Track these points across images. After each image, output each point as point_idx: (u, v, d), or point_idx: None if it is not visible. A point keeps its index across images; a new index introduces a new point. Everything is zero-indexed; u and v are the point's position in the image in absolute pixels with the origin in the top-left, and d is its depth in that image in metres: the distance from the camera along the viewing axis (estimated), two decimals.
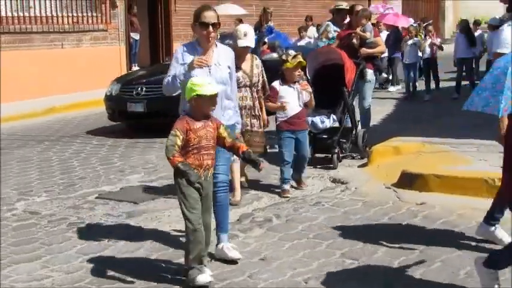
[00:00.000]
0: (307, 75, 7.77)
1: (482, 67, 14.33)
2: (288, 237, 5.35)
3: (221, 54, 4.93)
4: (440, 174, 6.46)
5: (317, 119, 7.66)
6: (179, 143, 4.37)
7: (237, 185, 6.40)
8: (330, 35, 9.64)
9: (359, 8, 8.90)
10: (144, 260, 4.97)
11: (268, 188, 6.90)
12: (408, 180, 6.58)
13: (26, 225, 5.89)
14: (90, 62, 14.84)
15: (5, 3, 13.88)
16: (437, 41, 14.65)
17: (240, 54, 6.07)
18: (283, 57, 6.82)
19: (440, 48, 14.44)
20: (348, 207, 6.06)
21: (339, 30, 9.35)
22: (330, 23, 9.81)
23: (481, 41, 14.67)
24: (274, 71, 11.57)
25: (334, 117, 7.76)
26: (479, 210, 5.27)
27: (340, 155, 7.83)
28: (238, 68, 5.94)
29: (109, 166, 8.21)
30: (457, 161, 6.99)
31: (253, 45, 6.50)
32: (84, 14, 15.51)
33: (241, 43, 6.24)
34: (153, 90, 10.11)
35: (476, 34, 14.56)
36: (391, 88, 15.42)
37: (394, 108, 12.62)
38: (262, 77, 6.62)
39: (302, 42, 14.74)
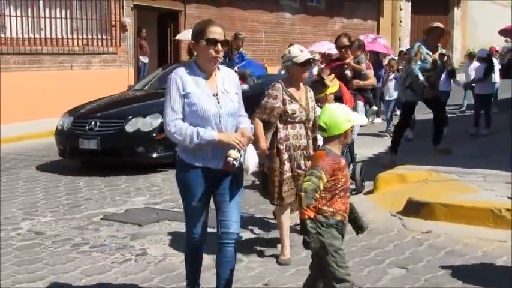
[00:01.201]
0: None
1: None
2: (292, 262, 5.32)
3: (226, 79, 4.19)
4: (446, 203, 6.43)
5: None
6: (322, 187, 3.69)
7: (286, 239, 5.42)
8: (423, 57, 9.09)
9: (344, 39, 8.14)
10: (147, 283, 4.95)
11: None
12: (414, 209, 6.55)
13: (30, 245, 5.89)
14: (99, 84, 14.90)
15: (16, 24, 14.03)
16: None
17: (298, 76, 5.31)
18: (325, 81, 6.19)
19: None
20: (352, 234, 6.00)
21: (430, 53, 9.09)
22: (420, 43, 9.29)
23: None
24: (246, 103, 11.17)
25: None
26: (485, 240, 5.25)
27: None
28: (292, 99, 5.26)
29: (114, 188, 8.21)
30: (464, 190, 6.96)
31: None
32: (94, 37, 15.64)
33: (302, 57, 5.24)
34: (108, 126, 9.33)
35: (471, 66, 14.26)
36: (376, 120, 14.45)
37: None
38: (315, 112, 5.46)
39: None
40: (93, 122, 9.36)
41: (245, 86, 10.27)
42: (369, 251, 5.60)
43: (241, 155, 4.04)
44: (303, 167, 5.26)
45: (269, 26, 20.48)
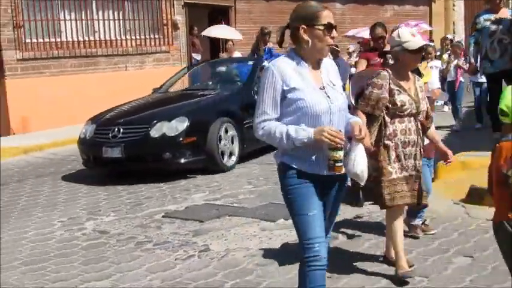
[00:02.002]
0: (350, 99, 7.03)
1: None
2: (355, 254, 5.29)
3: (330, 70, 3.64)
4: None
5: None
6: None
7: (401, 249, 4.77)
8: (480, 26, 8.98)
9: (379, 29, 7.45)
10: (211, 278, 4.99)
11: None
12: (477, 196, 6.42)
13: (95, 245, 6.01)
14: (153, 83, 15.01)
15: (71, 28, 14.30)
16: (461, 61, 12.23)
17: (408, 64, 4.72)
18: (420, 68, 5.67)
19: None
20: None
21: (492, 15, 9.02)
22: (477, 14, 9.32)
23: None
24: None
25: None
26: None
27: None
28: (401, 89, 4.67)
29: (174, 185, 8.30)
30: None
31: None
32: (147, 37, 15.82)
33: (415, 43, 4.64)
34: (132, 132, 8.82)
35: None
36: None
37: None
38: (427, 102, 4.90)
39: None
40: (116, 129, 8.84)
41: None
42: (433, 240, 5.52)
43: (344, 155, 3.43)
44: (412, 166, 4.69)
45: None
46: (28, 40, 13.54)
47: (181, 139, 8.64)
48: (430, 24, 26.09)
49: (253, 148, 9.51)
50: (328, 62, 3.66)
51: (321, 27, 3.45)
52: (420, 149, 4.75)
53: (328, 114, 3.46)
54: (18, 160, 10.92)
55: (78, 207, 7.50)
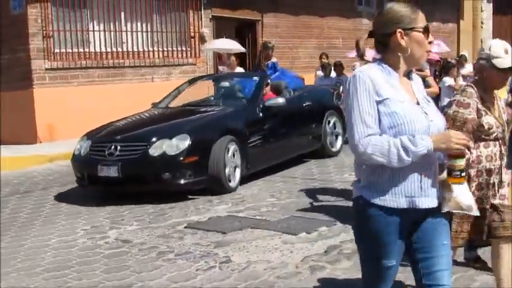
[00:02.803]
0: None
1: None
2: None
3: (419, 83, 3.09)
4: None
5: None
6: None
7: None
8: None
9: None
10: None
11: None
12: None
13: (117, 253, 6.04)
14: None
15: (100, 39, 14.47)
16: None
17: (495, 82, 4.16)
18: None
19: None
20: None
21: None
22: None
23: None
24: (282, 120, 9.68)
25: None
26: None
27: None
28: (488, 109, 4.11)
29: (198, 196, 8.32)
30: None
31: None
32: (174, 49, 15.95)
33: (506, 61, 4.06)
34: (129, 150, 8.22)
35: None
36: None
37: None
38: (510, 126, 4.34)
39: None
40: (113, 146, 8.24)
41: (281, 100, 9.48)
42: (456, 256, 5.46)
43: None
44: (497, 197, 4.12)
45: (346, 32, 20.34)
46: (57, 50, 13.72)
47: (182, 158, 8.05)
48: (458, 41, 26.03)
49: (257, 169, 9.12)
50: (415, 75, 3.08)
51: (421, 30, 2.94)
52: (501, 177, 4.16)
53: (428, 134, 2.83)
54: (44, 168, 11.04)
55: (101, 215, 7.55)
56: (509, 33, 27.98)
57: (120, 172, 8.03)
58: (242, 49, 15.98)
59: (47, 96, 13.35)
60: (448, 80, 11.73)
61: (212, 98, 10.82)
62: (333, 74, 14.13)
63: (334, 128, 10.98)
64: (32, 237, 6.72)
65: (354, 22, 21.12)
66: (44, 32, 13.44)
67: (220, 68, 17.54)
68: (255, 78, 10.51)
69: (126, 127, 9.09)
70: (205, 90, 11.53)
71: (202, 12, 16.58)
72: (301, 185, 8.81)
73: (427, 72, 8.21)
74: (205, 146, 8.25)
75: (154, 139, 8.17)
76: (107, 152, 8.25)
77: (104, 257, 5.95)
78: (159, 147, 8.07)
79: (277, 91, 10.23)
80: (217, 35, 17.27)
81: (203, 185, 8.26)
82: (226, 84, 11.05)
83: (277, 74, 11.57)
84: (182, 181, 8.06)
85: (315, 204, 7.64)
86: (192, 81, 11.19)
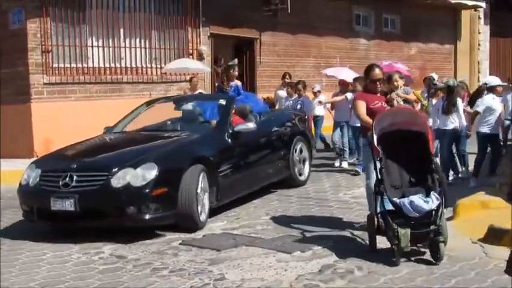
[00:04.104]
0: (370, 136, 6.34)
1: None
2: None
3: None
4: None
5: (418, 199, 5.86)
6: None
7: None
8: None
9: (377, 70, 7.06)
10: None
11: (352, 240, 6.84)
12: (496, 236, 6.38)
13: (112, 269, 6.05)
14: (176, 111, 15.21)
15: (98, 54, 14.54)
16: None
17: None
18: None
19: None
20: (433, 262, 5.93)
21: None
22: None
23: None
24: (251, 146, 8.96)
25: (436, 195, 5.94)
26: None
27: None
28: None
29: (164, 232, 8.16)
30: None
31: None
32: None
33: None
34: (88, 180, 7.18)
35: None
36: None
37: None
38: None
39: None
40: (68, 176, 7.19)
41: (251, 125, 8.60)
42: (450, 278, 5.48)
43: None
44: None
45: (344, 51, 20.47)
46: (55, 65, 13.79)
47: (148, 190, 7.04)
48: (455, 63, 26.14)
49: (227, 200, 8.29)
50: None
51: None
52: None
53: None
54: None
55: (96, 231, 7.53)
56: (507, 55, 28.16)
57: (77, 206, 7.02)
58: (205, 69, 15.71)
59: (44, 110, 13.39)
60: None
61: (171, 122, 9.64)
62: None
63: (301, 152, 10.10)
64: (26, 252, 6.72)
65: (351, 42, 21.26)
66: (43, 46, 13.51)
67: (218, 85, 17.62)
68: (221, 101, 9.48)
69: (81, 154, 8.08)
70: (164, 113, 10.06)
71: (201, 29, 16.69)
72: (296, 203, 8.83)
73: (412, 96, 8.61)
74: (174, 176, 7.27)
75: (116, 168, 7.13)
76: (61, 183, 7.18)
77: (99, 273, 5.95)
78: (122, 178, 7.06)
79: (242, 115, 9.23)
80: (216, 52, 17.37)
81: (172, 220, 7.28)
82: (188, 107, 9.94)
83: (241, 97, 10.52)
84: (148, 216, 7.05)
85: (310, 223, 7.64)
86: (149, 103, 10.12)
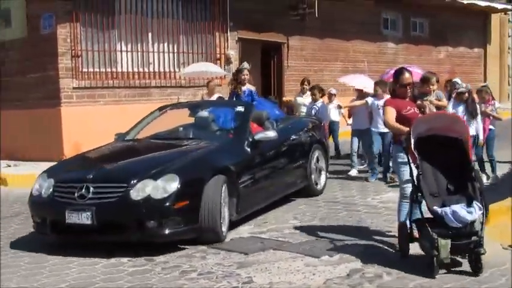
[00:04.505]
0: (404, 141, 6.20)
1: None
2: None
3: None
4: None
5: (460, 209, 5.68)
6: None
7: None
8: None
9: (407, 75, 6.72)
10: None
11: (381, 245, 6.81)
12: None
13: (141, 271, 6.09)
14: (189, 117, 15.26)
15: (127, 59, 14.67)
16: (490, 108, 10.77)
17: None
18: None
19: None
20: (462, 268, 5.88)
21: None
22: None
23: None
24: (271, 156, 8.49)
25: (479, 204, 5.74)
26: None
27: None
28: None
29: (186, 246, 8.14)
30: None
31: None
32: None
33: None
34: (106, 192, 6.75)
35: None
36: None
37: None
38: None
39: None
40: (84, 187, 6.77)
41: (272, 134, 8.15)
42: (480, 284, 5.43)
43: None
44: None
45: (372, 55, 20.41)
46: (85, 69, 13.94)
47: (170, 203, 6.64)
48: (485, 67, 25.89)
49: (247, 213, 7.88)
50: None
51: None
52: None
53: None
54: None
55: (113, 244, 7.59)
56: None
57: (94, 219, 6.60)
58: (222, 73, 15.37)
59: (74, 114, 13.55)
60: None
61: (184, 130, 9.01)
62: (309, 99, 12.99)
63: (318, 161, 9.71)
64: (56, 254, 6.78)
65: (379, 46, 21.19)
66: (73, 51, 13.68)
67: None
68: (239, 107, 9.00)
69: (96, 163, 7.70)
70: (177, 119, 9.49)
71: (229, 34, 16.76)
72: (324, 208, 8.81)
73: (445, 102, 8.40)
74: (196, 188, 6.84)
75: (135, 180, 6.71)
76: (76, 194, 6.76)
77: (128, 275, 6.00)
78: (142, 190, 6.64)
79: (259, 122, 8.78)
80: (243, 57, 17.40)
81: (193, 234, 6.87)
82: (204, 114, 9.22)
83: (255, 104, 9.86)
84: (168, 230, 6.65)
85: (338, 227, 7.63)
86: (162, 109, 9.59)
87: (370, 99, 11.12)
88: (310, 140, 9.72)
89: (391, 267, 5.94)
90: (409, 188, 6.26)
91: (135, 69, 14.88)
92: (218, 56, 16.50)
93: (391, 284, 5.51)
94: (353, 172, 11.59)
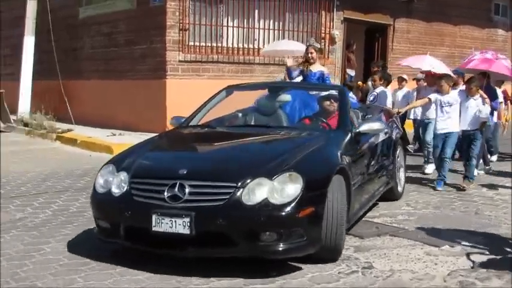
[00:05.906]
0: None
1: None
2: None
3: None
4: None
5: None
6: None
7: None
8: None
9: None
10: None
11: (504, 238, 6.48)
12: None
13: None
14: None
15: (232, 34, 14.63)
16: None
17: None
18: None
19: None
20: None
21: None
22: None
23: None
24: (371, 152, 7.08)
25: None
26: None
27: None
28: None
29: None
30: None
31: None
32: None
33: None
34: (206, 192, 5.11)
35: None
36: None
37: None
38: None
39: None
40: (177, 186, 5.13)
41: (378, 125, 6.84)
42: None
43: None
44: None
45: (480, 42, 19.64)
46: (191, 43, 13.99)
47: (293, 210, 5.03)
48: None
49: (354, 220, 6.50)
50: None
51: None
52: None
53: None
54: None
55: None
56: None
57: (192, 228, 4.99)
58: (303, 50, 14.13)
59: (178, 87, 13.65)
60: None
61: (270, 116, 7.47)
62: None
63: (398, 159, 8.27)
64: None
65: (488, 32, 20.40)
66: (181, 24, 13.76)
67: (348, 71, 17.37)
68: (332, 91, 7.62)
69: (185, 154, 6.21)
70: (248, 102, 8.25)
71: (334, 13, 16.47)
72: (436, 195, 8.50)
73: None
74: (320, 192, 5.28)
75: (247, 179, 5.10)
76: (166, 195, 5.13)
77: None
78: (257, 192, 5.07)
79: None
80: (348, 37, 17.09)
81: (312, 250, 5.28)
82: (286, 97, 7.84)
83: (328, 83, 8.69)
84: (284, 245, 5.06)
85: (455, 217, 7.32)
86: (229, 90, 7.99)
87: (433, 96, 9.15)
88: (395, 134, 8.31)
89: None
90: None
91: (240, 45, 14.84)
92: (323, 35, 16.23)
93: None
94: (429, 169, 10.25)
